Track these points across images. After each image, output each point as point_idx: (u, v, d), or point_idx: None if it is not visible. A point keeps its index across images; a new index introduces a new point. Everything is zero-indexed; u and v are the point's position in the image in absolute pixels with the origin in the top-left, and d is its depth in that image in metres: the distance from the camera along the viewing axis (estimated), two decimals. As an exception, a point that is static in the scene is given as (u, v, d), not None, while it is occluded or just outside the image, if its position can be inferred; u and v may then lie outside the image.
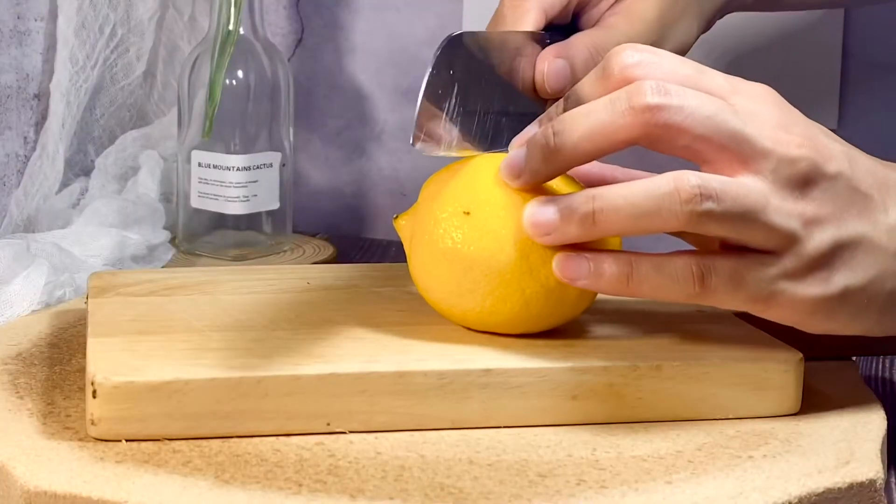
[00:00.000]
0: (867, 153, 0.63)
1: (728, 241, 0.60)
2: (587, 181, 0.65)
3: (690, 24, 0.77)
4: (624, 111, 0.58)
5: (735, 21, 0.94)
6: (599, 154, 0.59)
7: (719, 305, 0.61)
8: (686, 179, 0.58)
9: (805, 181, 0.59)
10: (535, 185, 0.62)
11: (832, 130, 0.62)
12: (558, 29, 0.73)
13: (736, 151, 0.58)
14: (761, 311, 0.61)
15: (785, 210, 0.59)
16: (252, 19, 0.97)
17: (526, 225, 0.61)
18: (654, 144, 0.59)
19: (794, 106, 0.62)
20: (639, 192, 0.58)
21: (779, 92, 0.63)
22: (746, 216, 0.58)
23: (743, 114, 0.59)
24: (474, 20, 1.15)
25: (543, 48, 0.70)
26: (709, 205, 0.58)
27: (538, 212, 0.61)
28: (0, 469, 0.55)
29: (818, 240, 0.59)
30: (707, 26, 0.80)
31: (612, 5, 0.74)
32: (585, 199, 0.59)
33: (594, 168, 0.66)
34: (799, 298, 0.60)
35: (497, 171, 0.63)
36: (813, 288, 0.60)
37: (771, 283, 0.60)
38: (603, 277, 0.60)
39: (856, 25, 1.11)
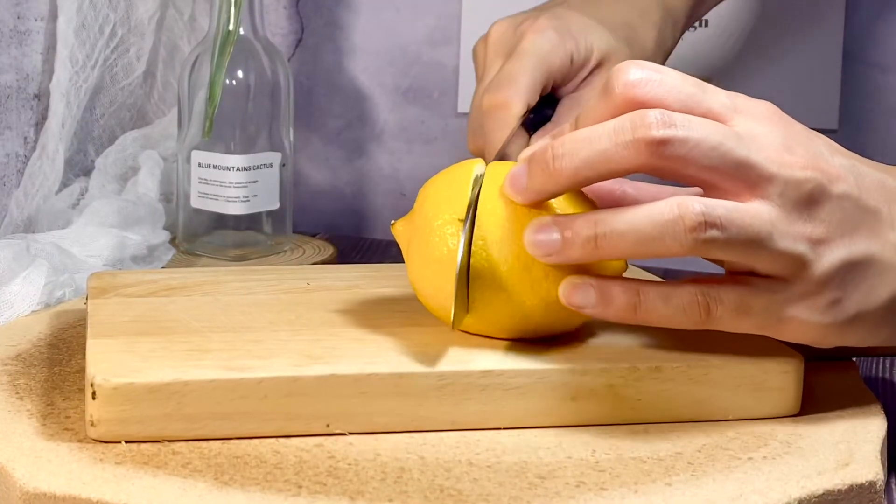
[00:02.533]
0: (867, 155, 0.63)
1: (735, 267, 0.60)
2: (596, 194, 0.65)
3: None
4: (627, 143, 0.57)
5: (735, 22, 0.95)
6: (601, 179, 0.59)
7: (729, 331, 0.61)
8: (690, 207, 0.57)
9: (811, 202, 0.59)
10: (537, 202, 0.62)
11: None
12: (539, 102, 0.75)
13: (742, 179, 0.58)
14: (772, 335, 0.61)
15: (792, 234, 0.58)
16: (252, 19, 0.97)
17: (527, 245, 0.60)
18: (658, 173, 0.58)
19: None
20: (642, 218, 0.57)
21: (779, 93, 0.62)
22: (752, 243, 0.58)
23: (746, 137, 0.58)
24: (474, 20, 1.15)
25: (528, 132, 0.71)
26: (713, 233, 0.57)
27: (540, 233, 0.60)
28: (-1, 470, 0.55)
29: (827, 261, 0.59)
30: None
31: (587, 77, 0.75)
32: (588, 224, 0.59)
33: (604, 182, 0.65)
34: (811, 323, 0.60)
35: (500, 182, 0.62)
36: (824, 312, 0.60)
37: (780, 309, 0.59)
38: (611, 307, 0.60)
39: (856, 26, 1.11)
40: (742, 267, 0.60)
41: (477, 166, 0.65)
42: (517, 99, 0.73)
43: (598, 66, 0.77)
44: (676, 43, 0.88)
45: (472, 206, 0.62)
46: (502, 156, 0.69)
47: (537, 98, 0.75)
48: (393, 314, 0.69)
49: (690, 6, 0.90)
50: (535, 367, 0.61)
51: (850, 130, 1.11)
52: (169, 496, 0.53)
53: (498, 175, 0.63)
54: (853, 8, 1.11)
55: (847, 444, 0.60)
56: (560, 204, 0.62)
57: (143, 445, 0.58)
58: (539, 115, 0.74)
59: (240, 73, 0.96)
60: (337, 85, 1.18)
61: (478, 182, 0.63)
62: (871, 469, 0.58)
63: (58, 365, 0.68)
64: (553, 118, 0.75)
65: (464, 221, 0.61)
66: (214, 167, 0.96)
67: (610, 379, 0.61)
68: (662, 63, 0.82)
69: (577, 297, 0.60)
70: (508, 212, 0.62)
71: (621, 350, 0.63)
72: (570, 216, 0.60)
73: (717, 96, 0.60)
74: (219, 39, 0.96)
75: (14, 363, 0.68)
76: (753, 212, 0.58)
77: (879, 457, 0.59)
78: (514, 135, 0.70)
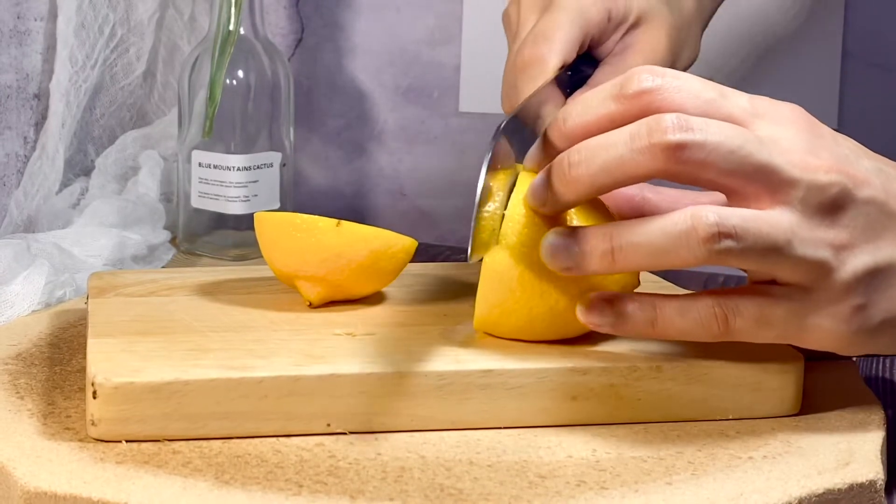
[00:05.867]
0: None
1: (756, 275, 0.59)
2: (616, 201, 0.64)
3: (695, 42, 0.77)
4: (643, 148, 0.56)
5: (735, 22, 0.95)
6: (619, 186, 0.58)
7: (750, 341, 0.60)
8: (704, 217, 0.56)
9: (835, 207, 0.58)
10: (559, 211, 0.61)
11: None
12: (575, 60, 0.73)
13: (763, 183, 0.57)
14: (795, 343, 0.60)
15: (814, 240, 0.57)
16: (252, 19, 0.97)
17: (545, 258, 0.60)
18: (677, 178, 0.57)
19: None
20: (656, 230, 0.57)
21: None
22: (769, 252, 0.57)
23: (768, 141, 0.57)
24: (474, 20, 1.15)
25: (564, 90, 0.69)
26: (728, 243, 0.56)
27: (557, 246, 0.59)
28: (0, 470, 0.55)
29: (851, 267, 0.58)
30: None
31: (623, 36, 0.74)
32: (603, 237, 0.58)
33: (624, 188, 0.64)
34: (834, 331, 0.59)
35: (526, 189, 0.62)
36: (848, 319, 0.59)
37: (801, 318, 0.59)
38: (627, 324, 0.60)
39: (856, 25, 1.11)
40: (762, 275, 0.59)
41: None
42: (552, 54, 0.71)
43: (636, 24, 0.74)
44: (714, 12, 0.86)
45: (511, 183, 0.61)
46: (534, 112, 0.67)
47: (574, 55, 0.72)
48: (393, 313, 0.69)
49: None
50: (536, 367, 0.61)
51: (850, 130, 1.11)
52: (169, 495, 0.53)
53: (526, 184, 0.62)
54: (853, 8, 1.11)
55: (847, 443, 0.60)
56: (578, 215, 0.62)
57: (143, 445, 0.58)
58: (577, 74, 0.72)
59: (240, 73, 0.96)
60: (337, 85, 1.18)
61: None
62: (871, 468, 0.58)
63: (58, 364, 0.68)
64: (591, 80, 0.72)
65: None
66: (215, 167, 0.96)
67: (610, 378, 0.61)
68: (702, 30, 0.80)
69: (594, 316, 0.60)
70: (527, 220, 0.62)
71: (622, 349, 0.63)
72: (586, 229, 0.59)
73: (737, 101, 0.59)
74: (219, 39, 0.95)
75: (15, 363, 0.68)
76: (772, 220, 0.57)
77: (879, 456, 0.59)
78: (547, 91, 0.68)
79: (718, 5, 0.86)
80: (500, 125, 0.62)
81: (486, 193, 0.60)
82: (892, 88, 1.11)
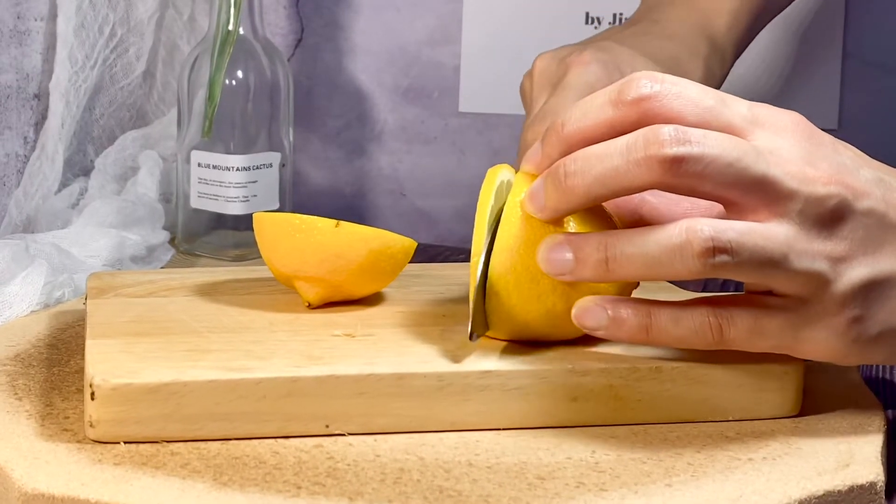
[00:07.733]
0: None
1: (753, 286, 0.59)
2: (613, 203, 0.64)
3: None
4: (639, 160, 0.56)
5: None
6: (615, 197, 0.58)
7: (745, 350, 0.60)
8: (699, 231, 0.56)
9: (834, 219, 0.57)
10: (555, 218, 0.61)
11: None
12: None
13: (761, 196, 0.56)
14: (791, 354, 0.60)
15: (811, 252, 0.57)
16: (252, 19, 0.97)
17: (540, 263, 0.60)
18: (674, 190, 0.57)
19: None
20: (651, 242, 0.56)
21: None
22: (765, 265, 0.56)
23: (766, 152, 0.57)
24: (474, 20, 1.15)
25: None
26: (723, 258, 0.56)
27: (553, 252, 0.59)
28: (-2, 471, 0.55)
29: (848, 280, 0.58)
30: None
31: None
32: (598, 246, 0.58)
33: None
34: (830, 343, 0.59)
35: (522, 191, 0.62)
36: (844, 332, 0.58)
37: (797, 329, 0.59)
38: (622, 329, 0.59)
39: (856, 25, 1.11)
40: (759, 286, 0.59)
41: (502, 172, 0.65)
42: None
43: None
44: (725, 77, 0.86)
45: (495, 219, 0.61)
46: None
47: None
48: (392, 314, 0.69)
49: (737, 40, 0.88)
50: (535, 368, 0.61)
51: (850, 130, 1.11)
52: (168, 497, 0.53)
53: (524, 185, 0.62)
54: (853, 8, 1.11)
55: (847, 444, 0.60)
56: (576, 220, 0.62)
57: (141, 446, 0.58)
58: None
59: (239, 73, 0.96)
60: (337, 85, 1.18)
61: (502, 190, 0.63)
62: (871, 470, 0.58)
63: (56, 365, 0.68)
64: None
65: (486, 233, 0.61)
66: (214, 167, 0.96)
67: (610, 379, 0.61)
68: None
69: (589, 319, 0.60)
70: (524, 222, 0.61)
71: (621, 351, 0.63)
72: (583, 236, 0.59)
73: (737, 108, 0.58)
74: (218, 39, 0.95)
75: (13, 363, 0.68)
76: (768, 233, 0.56)
77: (880, 458, 0.59)
78: None
79: (726, 75, 0.86)
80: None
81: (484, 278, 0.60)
82: (892, 88, 1.11)
